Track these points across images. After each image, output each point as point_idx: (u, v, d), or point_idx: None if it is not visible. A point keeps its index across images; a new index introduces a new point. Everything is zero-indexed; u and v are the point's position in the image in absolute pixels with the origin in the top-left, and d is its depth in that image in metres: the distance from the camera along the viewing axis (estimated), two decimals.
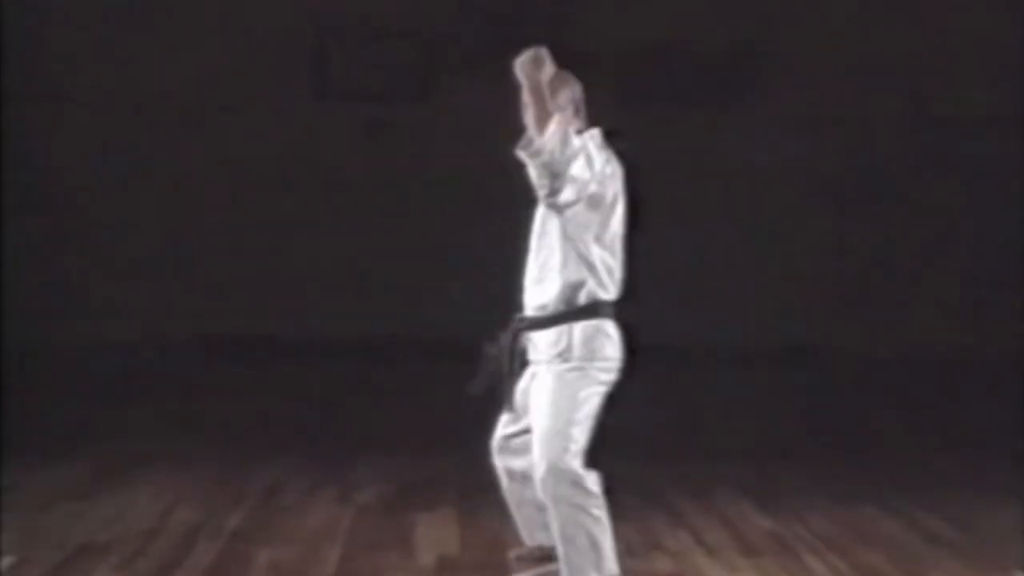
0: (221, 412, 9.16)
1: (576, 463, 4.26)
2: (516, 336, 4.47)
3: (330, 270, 11.00)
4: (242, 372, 10.44)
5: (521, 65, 4.11)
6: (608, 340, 4.35)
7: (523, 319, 4.47)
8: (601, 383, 4.36)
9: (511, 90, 4.17)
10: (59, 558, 5.23)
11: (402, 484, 6.82)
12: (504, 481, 4.66)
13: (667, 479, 6.80)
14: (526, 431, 4.45)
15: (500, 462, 4.64)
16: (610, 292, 4.37)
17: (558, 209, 4.23)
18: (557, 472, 4.23)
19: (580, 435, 4.29)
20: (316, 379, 10.31)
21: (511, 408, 4.53)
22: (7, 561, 5.13)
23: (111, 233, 11.04)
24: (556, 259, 4.31)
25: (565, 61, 4.27)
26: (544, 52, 4.13)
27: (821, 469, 7.44)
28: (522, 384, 4.50)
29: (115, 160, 11.04)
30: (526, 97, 4.13)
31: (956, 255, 11.41)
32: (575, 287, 4.28)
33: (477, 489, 6.33)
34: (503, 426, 4.61)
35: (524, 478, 4.49)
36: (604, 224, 4.31)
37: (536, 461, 4.31)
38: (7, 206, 10.77)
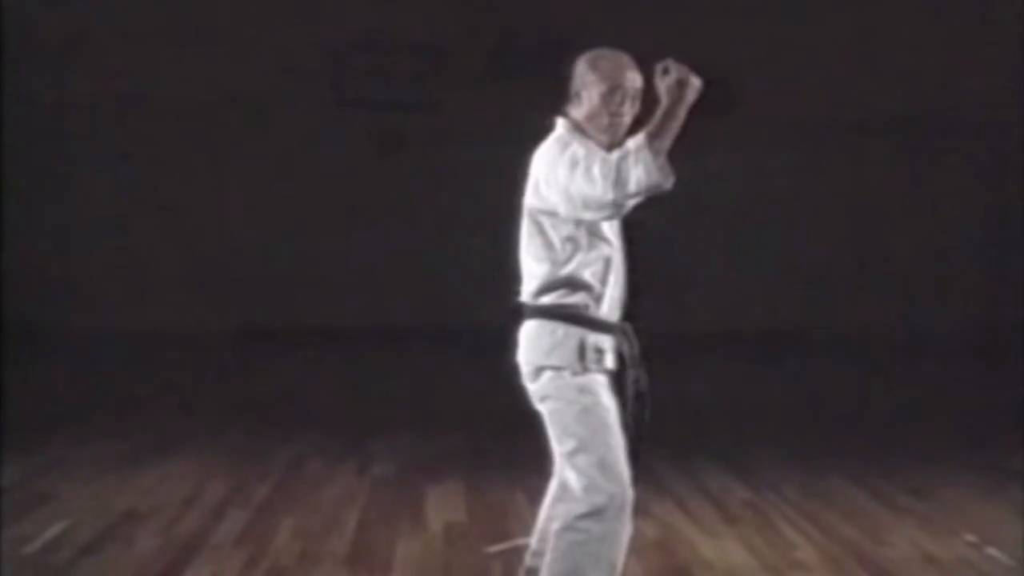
0: (249, 394, 9.16)
1: None
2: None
3: (347, 264, 10.98)
4: (267, 358, 10.39)
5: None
6: None
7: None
8: None
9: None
10: (105, 524, 5.33)
11: (414, 459, 6.84)
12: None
13: (653, 453, 6.87)
14: None
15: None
16: None
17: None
18: None
19: None
20: (335, 364, 10.23)
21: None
22: (60, 526, 5.23)
23: (154, 232, 11.07)
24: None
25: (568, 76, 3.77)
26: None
27: (796, 444, 7.44)
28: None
29: (158, 156, 11.05)
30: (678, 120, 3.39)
31: (922, 249, 11.38)
32: None
33: (482, 464, 6.58)
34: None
35: None
36: None
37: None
38: (62, 198, 10.84)
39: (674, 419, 8.35)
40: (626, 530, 3.60)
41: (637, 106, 3.60)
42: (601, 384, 3.63)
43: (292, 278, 11.02)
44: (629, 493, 3.58)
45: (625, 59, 3.64)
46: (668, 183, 3.33)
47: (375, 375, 9.96)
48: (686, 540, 5.22)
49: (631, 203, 3.42)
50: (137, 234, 11.10)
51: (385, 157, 10.94)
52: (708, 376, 10.10)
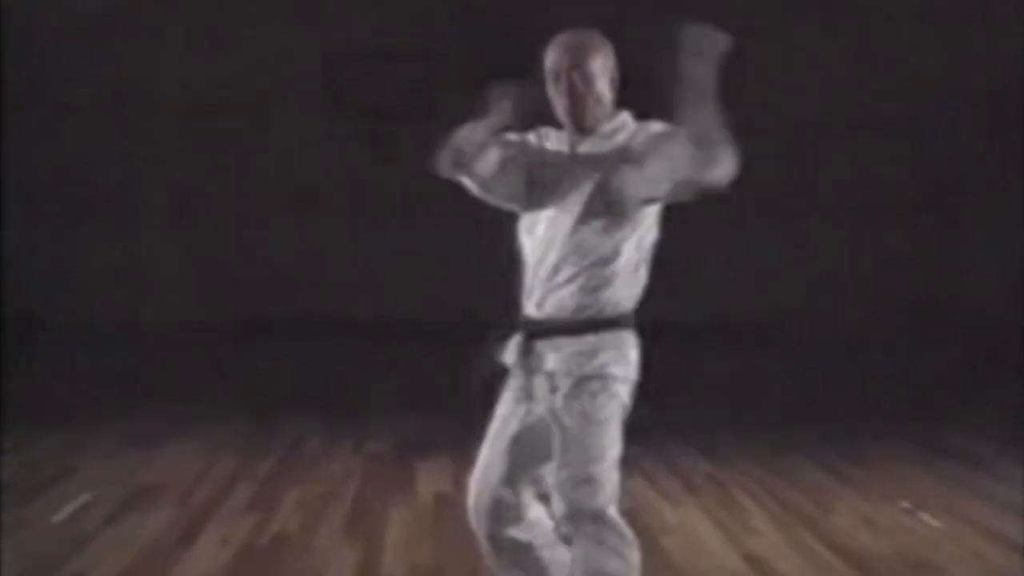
0: (255, 381, 9.23)
1: (613, 506, 3.08)
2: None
3: (342, 260, 10.96)
4: (270, 347, 10.40)
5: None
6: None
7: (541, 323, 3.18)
8: (623, 406, 3.16)
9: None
10: (127, 495, 5.49)
11: (406, 437, 6.95)
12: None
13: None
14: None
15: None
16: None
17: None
18: (588, 509, 3.05)
19: (614, 473, 3.10)
20: (334, 353, 10.24)
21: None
22: (85, 497, 5.38)
23: (168, 232, 11.05)
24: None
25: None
26: None
27: (753, 424, 7.57)
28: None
29: (163, 159, 10.98)
30: None
31: (867, 253, 11.32)
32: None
33: (468, 441, 6.61)
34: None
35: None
36: None
37: (565, 492, 3.07)
38: (69, 194, 10.72)
39: (642, 401, 8.45)
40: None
41: (591, 83, 3.11)
42: (509, 387, 3.25)
43: (292, 273, 10.99)
44: (471, 500, 3.27)
45: (565, 38, 3.16)
46: (436, 170, 3.24)
47: (370, 363, 9.99)
48: (652, 509, 5.33)
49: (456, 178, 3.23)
50: (146, 233, 11.08)
51: (382, 157, 10.93)
52: (676, 364, 10.06)
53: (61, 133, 10.89)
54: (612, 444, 3.09)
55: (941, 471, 6.38)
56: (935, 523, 5.27)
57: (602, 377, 3.09)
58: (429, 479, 5.94)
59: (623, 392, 3.13)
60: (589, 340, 3.10)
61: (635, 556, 3.11)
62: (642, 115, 3.23)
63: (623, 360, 3.13)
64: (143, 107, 11.03)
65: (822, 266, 11.19)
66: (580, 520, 3.06)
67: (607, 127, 3.15)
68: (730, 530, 5.10)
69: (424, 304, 10.78)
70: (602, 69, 3.13)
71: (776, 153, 10.98)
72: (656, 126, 3.14)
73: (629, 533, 3.11)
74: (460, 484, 5.68)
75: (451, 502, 5.39)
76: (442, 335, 10.14)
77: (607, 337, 3.11)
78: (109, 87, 10.94)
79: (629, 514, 5.15)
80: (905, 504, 5.57)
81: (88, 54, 10.82)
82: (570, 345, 3.11)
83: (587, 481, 3.04)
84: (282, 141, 11.04)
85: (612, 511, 3.07)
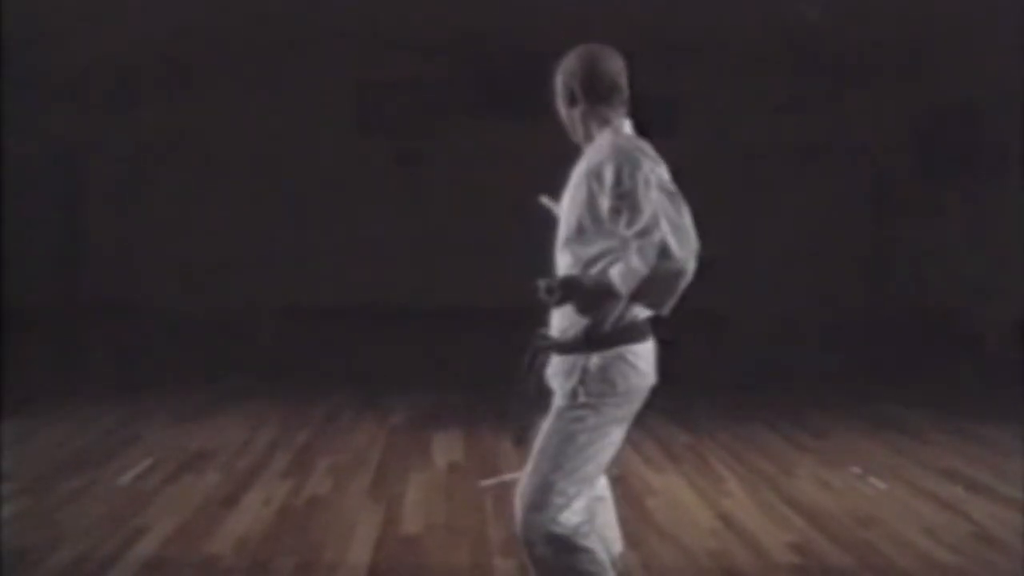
0: (292, 361, 9.20)
1: (562, 520, 2.66)
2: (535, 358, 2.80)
3: (366, 256, 10.74)
4: (306, 332, 10.25)
5: None
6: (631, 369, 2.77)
7: (547, 339, 2.81)
8: (616, 419, 2.74)
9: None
10: (182, 460, 5.54)
11: (423, 411, 6.97)
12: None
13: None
14: None
15: None
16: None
17: None
18: (536, 532, 2.67)
19: (572, 487, 2.67)
20: (361, 336, 10.10)
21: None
22: (147, 462, 5.44)
23: (235, 233, 10.75)
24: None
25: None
26: None
27: (726, 400, 7.58)
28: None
29: (223, 192, 10.75)
30: None
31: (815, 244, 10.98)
32: None
33: (478, 415, 6.71)
34: None
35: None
36: None
37: (516, 510, 2.73)
38: (142, 190, 10.55)
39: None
40: None
41: (561, 103, 2.88)
42: None
43: (323, 268, 10.78)
44: None
45: None
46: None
47: (393, 346, 9.96)
48: (639, 475, 5.36)
49: None
50: (204, 232, 10.94)
51: (400, 171, 10.94)
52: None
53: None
54: (566, 459, 2.68)
55: (886, 441, 6.39)
56: (881, 485, 5.31)
57: (571, 398, 2.71)
58: (443, 449, 5.96)
59: (586, 413, 2.69)
60: (568, 360, 2.74)
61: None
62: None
63: (596, 379, 2.69)
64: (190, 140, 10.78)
65: (779, 261, 10.96)
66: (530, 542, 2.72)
67: (593, 144, 2.79)
68: (706, 492, 5.12)
69: (440, 293, 10.65)
70: (557, 89, 2.88)
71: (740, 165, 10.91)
72: (587, 162, 2.75)
73: (579, 542, 2.68)
74: (470, 454, 5.82)
75: (462, 469, 5.47)
76: (455, 324, 10.16)
77: (582, 358, 2.70)
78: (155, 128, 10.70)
79: (619, 480, 5.24)
80: (856, 469, 5.61)
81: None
82: (557, 365, 2.78)
83: (530, 502, 2.69)
84: (321, 160, 10.99)
85: (556, 526, 2.66)
